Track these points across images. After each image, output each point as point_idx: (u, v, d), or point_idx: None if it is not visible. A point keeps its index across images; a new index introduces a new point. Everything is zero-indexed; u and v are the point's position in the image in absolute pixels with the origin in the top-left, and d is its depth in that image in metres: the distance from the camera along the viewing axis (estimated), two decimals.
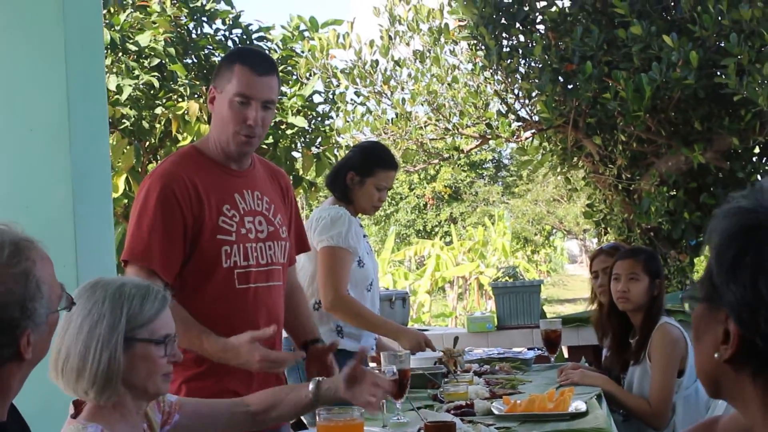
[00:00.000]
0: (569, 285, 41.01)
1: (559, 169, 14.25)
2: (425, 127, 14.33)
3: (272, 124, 14.79)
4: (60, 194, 4.77)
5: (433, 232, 39.06)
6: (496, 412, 4.47)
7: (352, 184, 5.67)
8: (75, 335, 2.83)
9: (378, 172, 5.66)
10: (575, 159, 13.61)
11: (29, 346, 2.44)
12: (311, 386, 3.45)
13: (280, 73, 15.16)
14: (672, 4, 11.59)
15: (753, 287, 1.71)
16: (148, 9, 12.98)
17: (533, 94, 13.04)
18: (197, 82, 13.34)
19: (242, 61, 4.16)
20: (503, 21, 12.61)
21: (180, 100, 13.08)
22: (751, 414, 1.84)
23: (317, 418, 2.85)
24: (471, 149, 15.57)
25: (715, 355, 1.82)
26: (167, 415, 3.23)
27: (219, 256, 4.08)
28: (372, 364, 5.75)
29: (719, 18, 10.50)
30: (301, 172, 14.57)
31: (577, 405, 4.53)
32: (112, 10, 12.32)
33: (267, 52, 13.37)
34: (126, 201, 12.52)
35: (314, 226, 5.57)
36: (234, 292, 4.13)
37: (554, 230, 39.32)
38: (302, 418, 5.40)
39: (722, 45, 10.62)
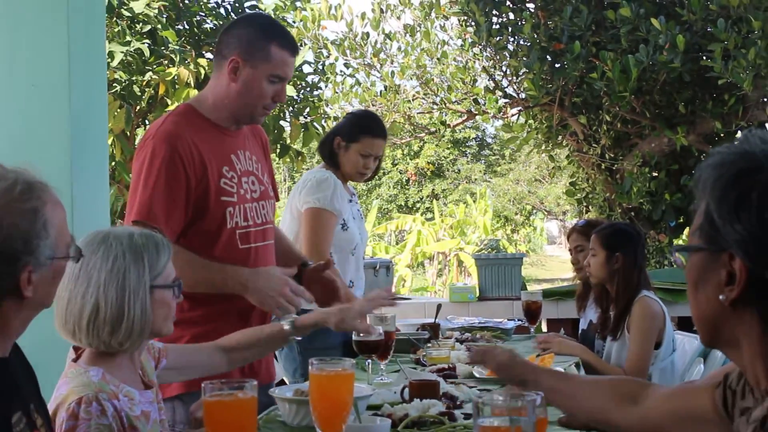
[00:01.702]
0: (548, 265, 41.02)
1: (543, 147, 14.34)
2: (413, 100, 14.40)
3: None
4: (58, 152, 4.82)
5: (415, 208, 39.02)
6: (477, 375, 4.53)
7: (338, 149, 5.70)
8: (103, 289, 2.90)
9: (363, 139, 5.67)
10: (560, 137, 13.71)
11: (30, 285, 2.48)
12: (286, 325, 3.65)
13: None
14: None
15: (760, 221, 1.83)
16: None
17: (521, 72, 13.11)
18: (187, 47, 13.37)
19: (280, 43, 4.24)
20: None
21: (170, 65, 13.11)
22: (749, 355, 1.95)
23: (310, 367, 2.93)
24: (457, 124, 15.64)
25: (720, 297, 1.92)
26: (157, 360, 3.31)
27: (224, 217, 4.14)
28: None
29: (707, 3, 10.61)
30: (288, 141, 14.59)
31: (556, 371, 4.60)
32: None
33: None
34: (113, 163, 12.54)
35: (300, 187, 5.62)
36: (237, 251, 4.19)
37: (535, 210, 39.30)
38: (284, 377, 5.49)
39: (709, 30, 10.70)
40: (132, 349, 3.02)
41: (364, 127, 5.74)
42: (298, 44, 14.62)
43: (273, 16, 15.08)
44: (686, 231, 13.08)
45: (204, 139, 4.18)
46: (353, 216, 5.77)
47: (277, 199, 4.81)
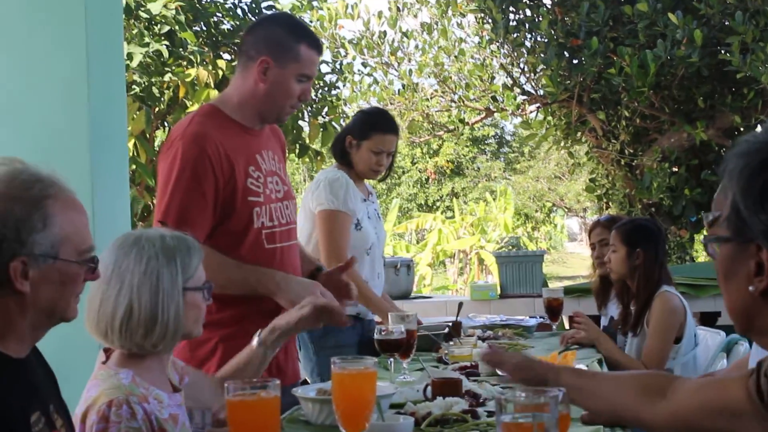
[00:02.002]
0: (569, 262, 40.96)
1: (562, 144, 14.33)
2: (431, 98, 14.40)
3: None
4: (78, 155, 4.83)
5: (435, 207, 38.98)
6: (499, 372, 4.53)
7: (350, 148, 5.66)
8: (136, 291, 2.91)
9: (374, 136, 5.63)
10: (579, 134, 13.70)
11: (26, 280, 2.46)
12: (255, 341, 3.57)
13: None
14: None
15: None
16: None
17: (539, 69, 13.11)
18: (206, 49, 13.39)
19: (309, 43, 4.27)
20: None
21: (189, 66, 13.13)
22: None
23: (332, 366, 2.93)
24: (476, 122, 15.65)
25: (750, 288, 1.92)
26: (181, 377, 3.29)
27: (251, 217, 4.15)
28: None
29: None
30: (307, 141, 14.60)
31: (579, 368, 4.59)
32: None
33: None
34: (134, 166, 12.56)
35: (313, 188, 5.61)
36: (263, 251, 4.20)
37: (555, 207, 39.25)
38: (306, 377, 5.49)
39: (727, 23, 10.68)
40: (164, 351, 3.03)
41: (374, 123, 5.70)
42: None
43: None
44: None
45: (230, 139, 4.18)
46: (368, 215, 5.73)
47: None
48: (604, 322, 6.35)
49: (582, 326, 5.61)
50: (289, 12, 14.68)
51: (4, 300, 2.48)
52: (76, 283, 2.61)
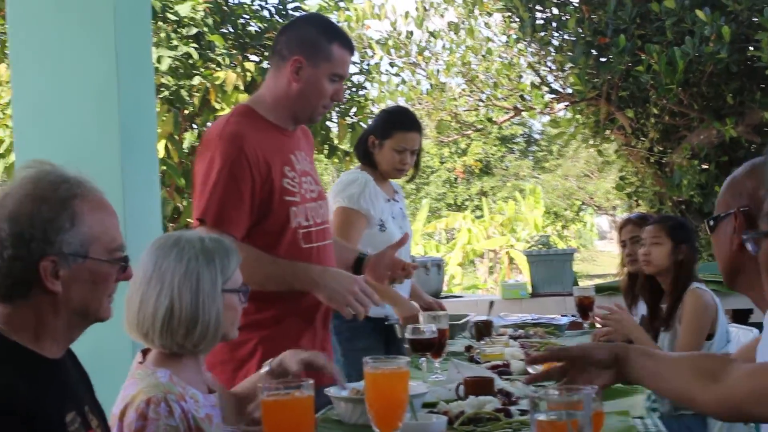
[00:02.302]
0: (599, 261, 40.80)
1: (591, 142, 14.31)
2: (459, 98, 14.41)
3: None
4: (109, 157, 4.88)
5: (464, 206, 38.94)
6: (532, 371, 4.50)
7: (373, 148, 5.68)
8: (177, 291, 2.94)
9: (396, 134, 5.63)
10: (607, 132, 13.69)
11: (57, 279, 2.50)
12: (264, 369, 3.46)
13: None
14: None
15: None
16: None
17: (566, 67, 13.11)
18: (234, 51, 13.44)
19: (341, 43, 4.31)
20: None
21: (217, 69, 13.18)
22: None
23: (364, 367, 2.94)
24: (504, 121, 15.64)
25: None
26: (213, 386, 3.29)
27: (288, 217, 4.18)
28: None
29: None
30: (335, 141, 14.63)
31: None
32: None
33: None
34: (164, 167, 12.61)
35: (334, 188, 5.66)
36: (300, 251, 4.21)
37: (584, 205, 39.15)
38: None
39: (755, 20, 10.65)
40: (203, 351, 3.07)
41: (396, 122, 5.71)
42: None
43: None
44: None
45: (266, 140, 4.21)
46: (393, 215, 5.75)
47: None
48: (635, 320, 6.35)
49: (612, 322, 5.58)
50: (305, 11, 14.76)
51: (37, 300, 2.52)
52: (108, 282, 2.65)
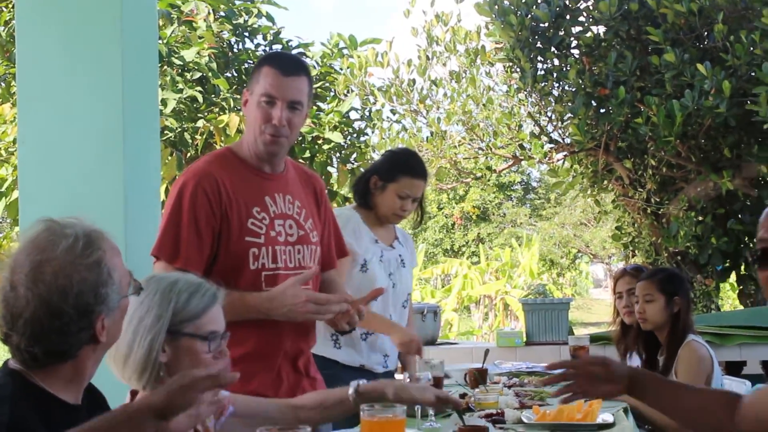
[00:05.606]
0: (593, 309, 40.81)
1: (589, 192, 14.37)
2: (459, 146, 14.47)
3: (309, 139, 15.04)
4: (112, 199, 4.95)
5: (461, 252, 38.97)
6: (525, 420, 4.51)
7: (374, 189, 5.45)
8: (126, 324, 2.91)
9: (402, 179, 5.38)
10: (605, 182, 13.74)
11: (104, 330, 2.65)
12: (351, 389, 3.52)
13: (319, 90, 15.41)
14: (705, 33, 11.71)
15: None
16: (193, 24, 13.16)
17: (566, 117, 13.18)
18: (237, 96, 13.54)
19: (269, 62, 4.25)
20: (539, 45, 12.78)
21: (221, 113, 13.26)
22: None
23: (361, 414, 2.99)
24: (503, 169, 15.71)
25: None
26: (219, 409, 3.22)
27: (246, 258, 4.13)
28: (398, 376, 5.63)
29: (751, 48, 10.64)
30: (335, 187, 14.70)
31: (605, 417, 4.59)
32: (160, 23, 12.50)
33: None
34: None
35: None
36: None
37: (580, 254, 39.16)
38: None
39: (753, 74, 10.73)
40: (150, 389, 2.98)
41: (404, 166, 5.46)
42: (344, 90, 14.81)
43: (320, 63, 15.29)
44: (733, 275, 13.05)
45: (237, 179, 4.21)
46: (381, 258, 5.52)
47: (345, 253, 4.83)
48: None
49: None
50: (318, 59, 14.84)
51: (83, 354, 2.67)
52: (127, 310, 2.83)
